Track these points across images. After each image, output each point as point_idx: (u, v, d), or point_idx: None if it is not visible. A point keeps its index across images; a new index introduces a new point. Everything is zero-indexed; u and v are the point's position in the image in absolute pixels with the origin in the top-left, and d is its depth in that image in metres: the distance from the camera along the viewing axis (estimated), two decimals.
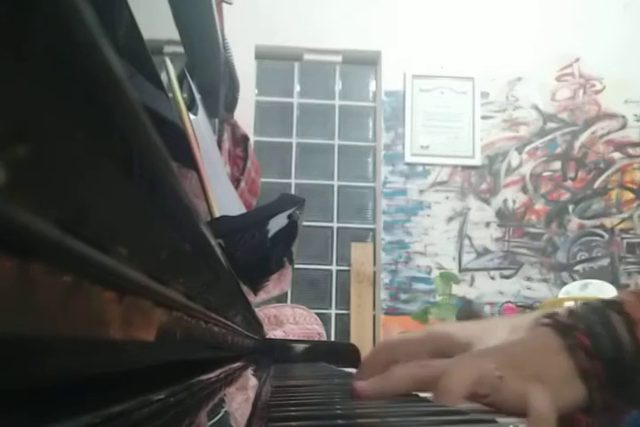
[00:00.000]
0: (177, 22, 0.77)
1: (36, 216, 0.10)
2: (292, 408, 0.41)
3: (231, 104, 1.50)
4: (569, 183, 3.52)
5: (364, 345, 3.09)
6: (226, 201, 0.83)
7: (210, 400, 0.31)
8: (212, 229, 0.26)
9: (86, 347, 0.15)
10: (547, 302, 3.02)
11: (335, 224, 3.48)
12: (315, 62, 3.57)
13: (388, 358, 0.67)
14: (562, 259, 3.43)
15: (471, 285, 3.36)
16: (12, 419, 0.12)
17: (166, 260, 0.17)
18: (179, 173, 0.17)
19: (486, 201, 3.46)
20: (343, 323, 3.36)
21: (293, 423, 0.35)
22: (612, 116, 3.52)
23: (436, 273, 3.34)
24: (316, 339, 1.59)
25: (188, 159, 0.64)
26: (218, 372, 0.40)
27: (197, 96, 0.87)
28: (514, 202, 3.47)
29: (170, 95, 0.64)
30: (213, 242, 0.25)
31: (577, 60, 3.58)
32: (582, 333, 0.50)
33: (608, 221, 3.47)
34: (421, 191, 3.43)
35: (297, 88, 3.60)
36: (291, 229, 0.68)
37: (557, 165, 3.53)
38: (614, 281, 3.25)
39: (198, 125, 0.76)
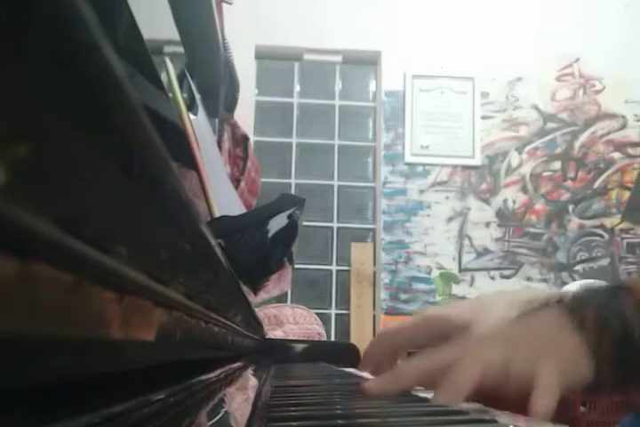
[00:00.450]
0: (177, 22, 0.77)
1: (36, 216, 0.10)
2: (292, 408, 0.41)
3: (231, 104, 1.50)
4: (569, 183, 3.52)
5: (364, 345, 3.09)
6: (226, 201, 0.83)
7: (210, 400, 0.31)
8: (212, 229, 0.26)
9: (86, 347, 0.15)
10: None
11: (335, 224, 3.48)
12: (315, 62, 3.57)
13: (389, 348, 0.67)
14: (562, 259, 3.43)
15: (471, 285, 3.36)
16: (12, 419, 0.12)
17: (166, 260, 0.17)
18: (179, 173, 0.17)
19: (486, 201, 3.45)
20: (343, 323, 3.36)
21: (293, 423, 0.35)
22: (612, 116, 3.52)
23: (435, 273, 3.34)
24: (316, 339, 1.59)
25: (188, 159, 0.64)
26: (218, 372, 0.40)
27: (197, 96, 0.87)
28: (514, 202, 3.47)
29: (170, 95, 0.64)
30: (213, 242, 0.25)
31: (577, 60, 3.58)
32: (590, 312, 0.50)
33: (608, 221, 3.47)
34: (421, 191, 3.43)
35: (297, 88, 3.60)
36: (291, 229, 0.68)
37: (557, 165, 3.53)
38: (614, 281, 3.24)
39: (198, 125, 0.76)
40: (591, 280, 3.02)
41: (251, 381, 0.53)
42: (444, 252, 3.38)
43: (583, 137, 3.55)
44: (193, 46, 0.96)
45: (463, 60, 3.49)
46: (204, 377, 0.34)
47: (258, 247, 0.63)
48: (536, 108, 3.54)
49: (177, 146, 0.60)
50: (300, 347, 1.13)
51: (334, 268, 3.44)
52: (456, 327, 0.61)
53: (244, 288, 0.51)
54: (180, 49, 0.85)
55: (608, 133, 3.54)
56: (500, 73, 3.50)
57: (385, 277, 3.34)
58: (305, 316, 1.67)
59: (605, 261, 3.45)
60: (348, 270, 3.41)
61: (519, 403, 0.46)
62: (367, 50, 3.53)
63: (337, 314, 3.38)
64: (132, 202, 0.13)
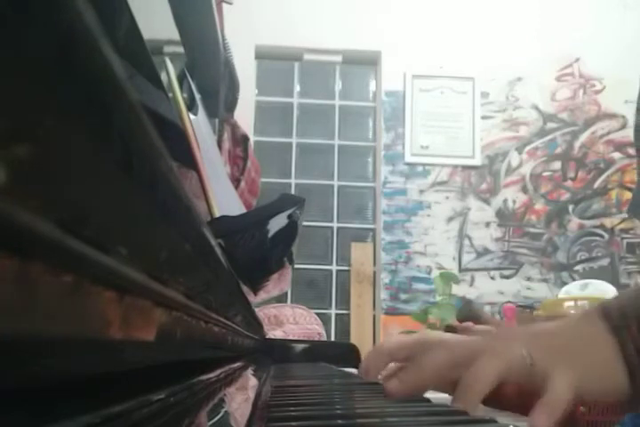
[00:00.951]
0: (177, 22, 0.77)
1: (36, 216, 0.10)
2: (292, 408, 0.41)
3: (231, 104, 1.50)
4: (569, 183, 3.52)
5: (364, 345, 3.09)
6: (226, 201, 0.83)
7: (210, 400, 0.31)
8: (212, 229, 0.26)
9: (86, 347, 0.15)
10: (547, 302, 3.02)
11: (335, 224, 3.48)
12: (315, 62, 3.57)
13: (387, 363, 0.67)
14: (562, 259, 3.43)
15: (471, 285, 3.36)
16: (12, 419, 0.12)
17: (166, 260, 0.17)
18: (179, 173, 0.17)
19: (486, 201, 3.46)
20: (343, 323, 3.36)
21: (293, 423, 0.35)
22: (611, 116, 3.52)
23: (436, 273, 3.34)
24: (316, 339, 1.59)
25: (188, 159, 0.64)
26: (218, 372, 0.40)
27: (197, 96, 0.87)
28: (514, 202, 3.47)
29: (170, 95, 0.64)
30: (213, 242, 0.25)
31: (577, 60, 3.58)
32: (628, 317, 0.48)
33: (608, 221, 3.47)
34: (421, 191, 3.43)
35: (297, 88, 3.60)
36: (291, 229, 0.68)
37: (557, 165, 3.53)
38: (614, 281, 3.25)
39: (198, 125, 0.76)
40: (591, 280, 3.03)
41: (251, 381, 0.53)
42: (443, 252, 3.39)
43: (583, 137, 3.55)
44: (193, 46, 0.96)
45: (463, 60, 3.49)
46: (204, 377, 0.34)
47: (258, 247, 0.63)
48: (536, 108, 3.54)
49: (177, 146, 0.60)
50: (299, 347, 1.13)
51: (334, 268, 3.44)
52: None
53: (244, 288, 0.51)
54: (180, 49, 0.85)
55: (608, 133, 3.54)
56: (500, 73, 3.50)
57: (385, 278, 3.34)
58: (305, 316, 1.67)
59: (605, 261, 3.45)
60: (348, 270, 3.41)
61: (519, 403, 0.46)
62: (367, 50, 3.53)
63: (337, 314, 3.38)
64: (132, 202, 0.13)
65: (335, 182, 3.52)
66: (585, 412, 1.89)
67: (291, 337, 1.45)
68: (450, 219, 3.42)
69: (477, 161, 3.46)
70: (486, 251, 3.41)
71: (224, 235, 0.54)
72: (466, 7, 3.53)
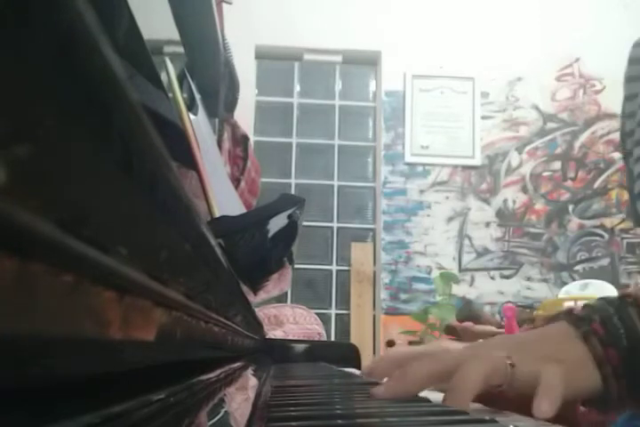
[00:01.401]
0: (177, 22, 0.77)
1: (36, 216, 0.10)
2: (292, 408, 0.41)
3: (231, 104, 1.50)
4: (569, 183, 3.52)
5: (364, 345, 3.10)
6: (226, 201, 0.83)
7: (210, 400, 0.31)
8: (212, 229, 0.26)
9: (86, 347, 0.15)
10: (547, 302, 3.02)
11: (335, 224, 3.48)
12: (315, 62, 3.57)
13: (393, 371, 0.69)
14: (562, 259, 3.43)
15: (471, 285, 3.36)
16: (12, 419, 0.12)
17: (166, 260, 0.17)
18: (179, 173, 0.17)
19: (486, 201, 3.46)
20: (343, 323, 3.36)
21: (293, 423, 0.35)
22: (612, 116, 3.52)
23: (435, 273, 3.34)
24: (316, 339, 1.59)
25: (188, 159, 0.64)
26: (218, 372, 0.40)
27: (197, 96, 0.87)
28: (514, 202, 3.47)
29: (170, 95, 0.64)
30: (213, 242, 0.25)
31: (577, 60, 3.58)
32: (597, 322, 0.50)
33: (608, 221, 3.47)
34: (421, 191, 3.43)
35: (297, 88, 3.60)
36: (291, 229, 0.68)
37: (557, 165, 3.53)
38: (614, 281, 3.25)
39: (198, 125, 0.76)
40: (591, 280, 3.03)
41: (251, 381, 0.53)
42: (443, 252, 3.39)
43: (583, 137, 3.55)
44: (193, 46, 0.96)
45: (463, 60, 3.49)
46: (204, 377, 0.34)
47: (258, 247, 0.63)
48: (536, 108, 3.54)
49: (177, 146, 0.60)
50: (299, 347, 1.13)
51: (334, 268, 3.44)
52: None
53: (244, 288, 0.51)
54: (180, 49, 0.85)
55: (608, 133, 3.54)
56: (500, 73, 3.50)
57: (385, 277, 3.34)
58: (305, 316, 1.67)
59: (605, 261, 3.45)
60: (348, 270, 3.41)
61: (519, 403, 0.46)
62: (367, 50, 3.53)
63: (337, 314, 3.38)
64: (132, 202, 0.13)
65: (335, 182, 3.52)
66: (585, 412, 1.89)
67: (291, 337, 1.45)
68: (450, 219, 3.42)
69: (477, 161, 3.46)
70: (486, 251, 3.41)
71: (224, 235, 0.54)
72: (466, 7, 3.53)
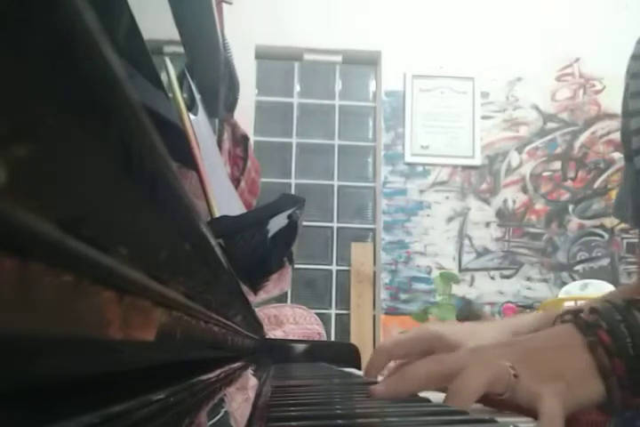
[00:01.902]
0: (177, 22, 0.77)
1: (36, 216, 0.10)
2: (292, 408, 0.41)
3: (231, 104, 1.50)
4: (569, 183, 3.52)
5: (364, 345, 3.09)
6: (226, 201, 0.83)
7: (210, 400, 0.31)
8: (212, 229, 0.26)
9: (86, 347, 0.15)
10: (547, 302, 3.02)
11: (335, 224, 3.48)
12: (315, 62, 3.57)
13: (388, 360, 0.70)
14: (562, 259, 3.43)
15: (471, 285, 3.36)
16: (12, 419, 0.12)
17: (166, 260, 0.17)
18: (179, 173, 0.17)
19: (486, 201, 3.45)
20: (343, 323, 3.36)
21: (293, 423, 0.35)
22: (612, 116, 3.52)
23: (435, 273, 3.34)
24: (316, 339, 1.59)
25: (188, 159, 0.64)
26: (218, 372, 0.40)
27: (197, 96, 0.87)
28: (514, 202, 3.47)
29: (170, 95, 0.64)
30: (213, 242, 0.25)
31: (577, 60, 3.58)
32: (604, 330, 0.50)
33: (608, 221, 3.47)
34: (421, 191, 3.43)
35: (297, 88, 3.60)
36: (291, 229, 0.68)
37: (557, 165, 3.53)
38: (614, 281, 3.25)
39: (198, 125, 0.76)
40: (591, 280, 3.03)
41: (251, 381, 0.53)
42: (443, 252, 3.38)
43: (583, 137, 3.55)
44: (193, 46, 0.95)
45: (463, 60, 3.49)
46: (204, 377, 0.34)
47: (258, 247, 0.63)
48: (536, 108, 3.54)
49: (177, 146, 0.60)
50: (299, 347, 1.13)
51: (334, 268, 3.44)
52: (447, 345, 0.64)
53: (244, 288, 0.51)
54: (180, 49, 0.85)
55: (608, 133, 3.54)
56: (500, 73, 3.50)
57: (385, 277, 3.34)
58: (305, 316, 1.67)
59: (605, 261, 3.45)
60: (348, 270, 3.41)
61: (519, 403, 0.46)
62: (367, 50, 3.53)
63: (337, 314, 3.38)
64: (132, 202, 0.13)
65: (335, 182, 3.52)
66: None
67: (291, 337, 1.45)
68: (450, 219, 3.41)
69: (477, 161, 3.46)
70: (486, 251, 3.41)
71: (224, 235, 0.54)
72: (466, 7, 3.53)
